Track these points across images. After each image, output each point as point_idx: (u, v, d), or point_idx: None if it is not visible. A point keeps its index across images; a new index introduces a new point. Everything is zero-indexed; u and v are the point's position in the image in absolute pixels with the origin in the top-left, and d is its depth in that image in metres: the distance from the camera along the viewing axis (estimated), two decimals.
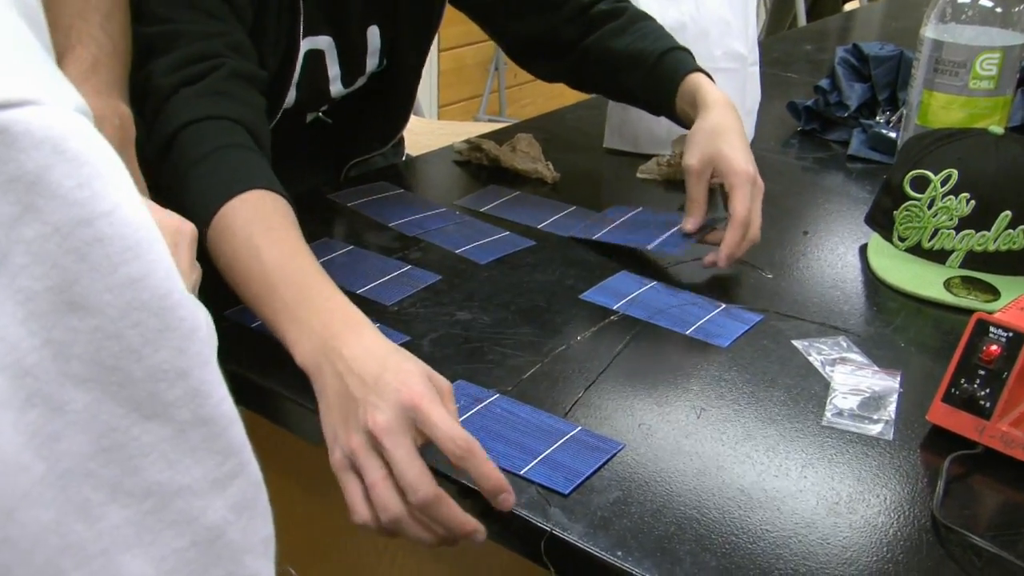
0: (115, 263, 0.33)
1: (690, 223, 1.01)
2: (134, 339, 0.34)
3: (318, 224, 1.10)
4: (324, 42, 1.10)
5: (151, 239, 0.35)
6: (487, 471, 0.65)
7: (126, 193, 0.34)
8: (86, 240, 0.33)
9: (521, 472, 0.71)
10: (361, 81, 1.20)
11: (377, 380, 0.68)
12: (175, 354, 0.35)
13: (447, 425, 0.65)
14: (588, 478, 0.70)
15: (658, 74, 1.10)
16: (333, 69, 1.13)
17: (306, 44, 1.07)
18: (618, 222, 1.08)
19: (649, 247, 1.03)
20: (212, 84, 0.89)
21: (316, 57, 1.11)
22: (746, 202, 0.95)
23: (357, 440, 0.67)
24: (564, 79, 1.24)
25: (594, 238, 1.06)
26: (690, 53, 1.13)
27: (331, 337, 0.72)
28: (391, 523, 0.66)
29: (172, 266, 0.36)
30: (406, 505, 0.65)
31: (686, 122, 1.08)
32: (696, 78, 1.07)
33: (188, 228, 0.65)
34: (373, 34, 1.16)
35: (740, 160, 0.97)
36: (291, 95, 1.09)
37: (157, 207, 0.65)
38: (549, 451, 0.73)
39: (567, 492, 0.69)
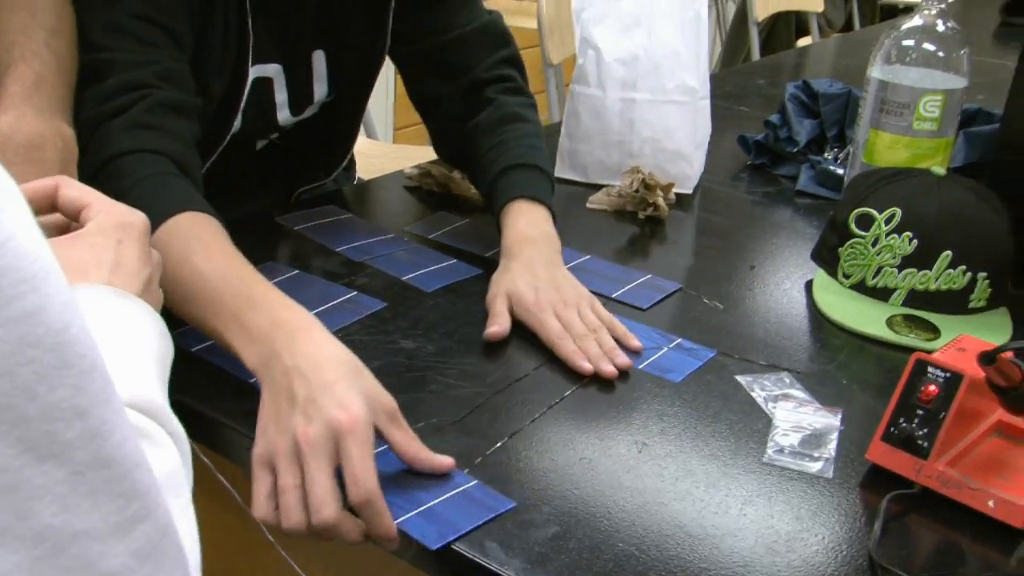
0: (8, 296, 0.31)
1: (490, 330, 0.92)
2: (28, 376, 0.32)
3: (264, 247, 1.08)
4: (272, 69, 1.10)
5: (47, 270, 0.33)
6: (379, 523, 0.67)
7: (21, 221, 0.33)
8: None
9: (396, 521, 0.68)
10: (311, 110, 1.19)
11: (321, 391, 0.69)
12: (73, 392, 0.34)
13: (359, 468, 0.66)
14: (463, 535, 0.68)
15: (492, 191, 1.08)
16: (280, 95, 1.12)
17: (254, 72, 1.06)
18: (570, 265, 1.08)
19: (613, 296, 1.03)
20: (135, 117, 0.89)
21: (263, 84, 1.10)
22: (548, 325, 0.91)
23: (283, 442, 0.68)
24: (445, 157, 1.23)
25: None
26: (532, 171, 1.08)
27: (281, 337, 0.73)
28: (287, 530, 0.67)
29: (71, 299, 0.34)
30: (307, 518, 0.66)
31: None
32: (510, 208, 1.04)
33: (137, 220, 0.63)
34: (319, 59, 1.15)
35: (529, 299, 0.93)
36: (237, 121, 1.08)
37: (105, 199, 0.64)
38: (434, 502, 0.70)
39: (434, 547, 0.67)
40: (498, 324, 0.92)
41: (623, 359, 0.89)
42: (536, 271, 0.96)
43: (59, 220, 0.65)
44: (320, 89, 1.17)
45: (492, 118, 1.14)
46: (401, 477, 0.73)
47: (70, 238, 0.61)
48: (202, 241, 0.82)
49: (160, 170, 0.88)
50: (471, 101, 1.16)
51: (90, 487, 0.34)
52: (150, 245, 0.79)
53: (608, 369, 0.87)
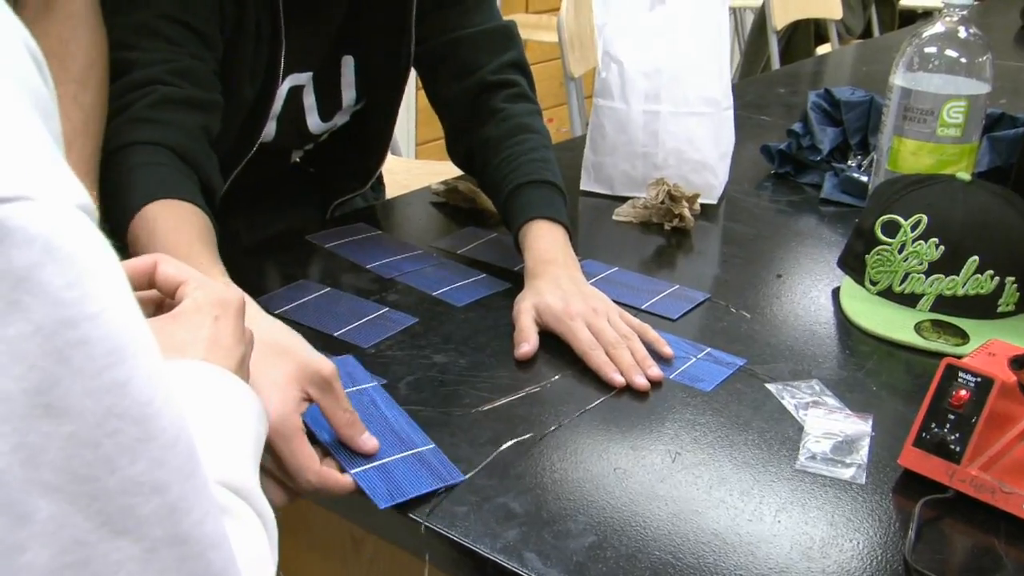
0: (98, 367, 0.32)
1: (521, 350, 0.93)
2: (110, 448, 0.32)
3: (296, 265, 1.10)
4: (304, 77, 1.12)
5: (138, 343, 0.33)
6: (335, 493, 0.70)
7: (116, 294, 0.33)
8: (69, 342, 0.31)
9: (350, 471, 0.71)
10: (340, 118, 1.21)
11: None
12: (153, 466, 0.33)
13: (292, 467, 0.68)
14: (409, 500, 0.71)
15: (507, 210, 1.09)
16: (309, 100, 1.15)
17: (289, 81, 1.08)
18: (598, 277, 1.09)
19: (643, 307, 1.04)
20: (137, 111, 0.92)
21: (295, 91, 1.13)
22: (579, 335, 0.92)
23: None
24: (458, 162, 1.23)
25: None
26: (546, 187, 1.09)
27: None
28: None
29: (158, 373, 0.34)
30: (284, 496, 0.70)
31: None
32: (528, 229, 1.04)
33: (233, 296, 0.63)
34: (348, 64, 1.18)
35: (559, 307, 0.94)
36: (271, 128, 1.10)
37: (201, 277, 0.63)
38: (388, 460, 0.73)
39: (383, 507, 0.69)
40: (527, 343, 0.93)
41: (655, 371, 0.90)
42: (562, 285, 0.97)
43: (156, 296, 0.65)
44: (349, 95, 1.19)
45: (501, 130, 1.15)
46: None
47: (168, 316, 0.61)
48: (167, 227, 0.85)
49: (152, 160, 0.90)
50: (479, 107, 1.17)
51: (163, 565, 0.34)
52: (130, 235, 0.82)
53: (641, 382, 0.88)
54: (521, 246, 1.05)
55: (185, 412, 0.36)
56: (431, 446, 0.76)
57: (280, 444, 0.67)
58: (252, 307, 0.74)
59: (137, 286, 0.64)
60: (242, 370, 0.61)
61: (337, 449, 0.73)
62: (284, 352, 0.71)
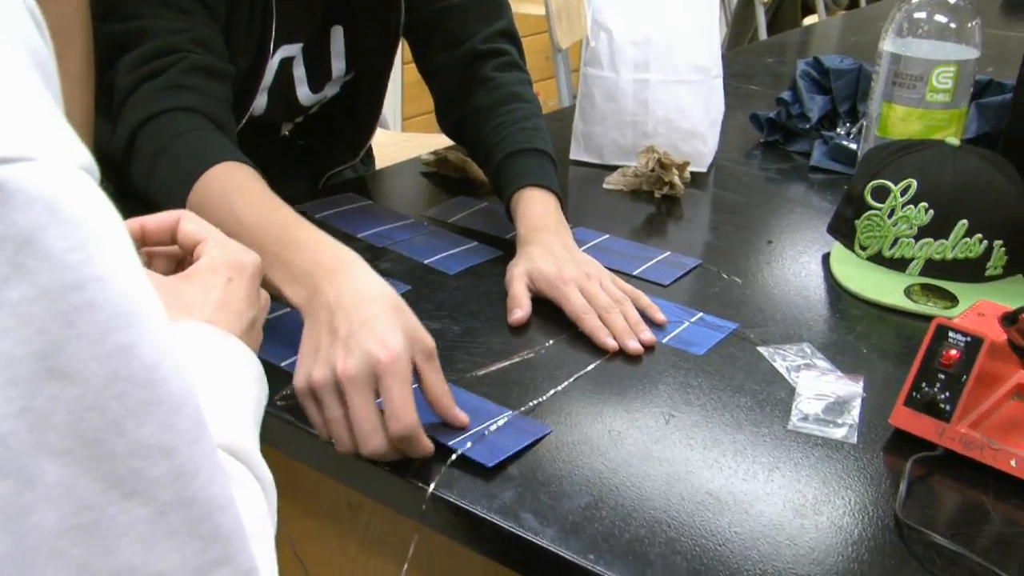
0: (104, 331, 0.32)
1: (514, 316, 0.93)
2: (118, 411, 0.32)
3: None
4: (295, 49, 1.12)
5: (144, 306, 0.33)
6: (418, 452, 0.72)
7: (122, 257, 0.33)
8: (75, 305, 0.31)
9: (449, 443, 0.73)
10: (330, 89, 1.21)
11: (362, 326, 0.71)
12: (161, 429, 0.33)
13: (399, 404, 0.69)
14: (511, 456, 0.74)
15: (499, 178, 1.09)
16: (299, 71, 1.15)
17: (280, 52, 1.08)
18: (589, 244, 1.09)
19: (634, 273, 1.04)
20: (172, 78, 0.92)
21: (284, 62, 1.12)
22: (572, 300, 0.92)
23: (322, 373, 0.71)
24: (448, 132, 1.23)
25: None
26: (537, 155, 1.09)
27: (322, 274, 0.76)
28: (343, 452, 0.73)
29: (166, 336, 0.34)
30: (355, 445, 0.71)
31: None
32: (520, 197, 1.05)
33: (249, 260, 0.63)
34: (337, 35, 1.18)
35: (552, 272, 0.94)
36: (261, 100, 1.10)
37: (222, 236, 0.63)
38: (480, 428, 0.76)
39: (490, 464, 0.72)
40: (520, 308, 0.93)
41: (648, 335, 0.90)
42: (555, 251, 0.98)
43: (177, 252, 0.66)
44: (338, 65, 1.19)
45: (491, 99, 1.15)
46: (473, 419, 0.77)
47: (183, 275, 0.61)
48: (242, 188, 0.86)
49: (198, 125, 0.91)
50: (469, 76, 1.17)
51: (172, 527, 0.34)
52: (193, 198, 0.81)
53: (634, 346, 0.89)
54: (513, 214, 1.05)
55: (191, 376, 0.36)
56: (510, 412, 0.79)
57: (391, 383, 0.69)
58: (363, 267, 0.78)
59: (160, 241, 0.64)
60: (251, 334, 0.61)
61: (432, 428, 0.75)
62: (401, 310, 0.74)
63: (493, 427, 0.76)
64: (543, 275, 0.95)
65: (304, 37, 1.12)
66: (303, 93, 1.17)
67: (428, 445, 0.72)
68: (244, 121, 1.11)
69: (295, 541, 0.87)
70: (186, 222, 0.64)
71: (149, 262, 0.64)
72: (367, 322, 0.71)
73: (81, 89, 0.92)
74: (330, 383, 0.70)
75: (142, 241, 0.64)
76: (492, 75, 1.16)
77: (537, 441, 0.76)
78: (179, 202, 0.87)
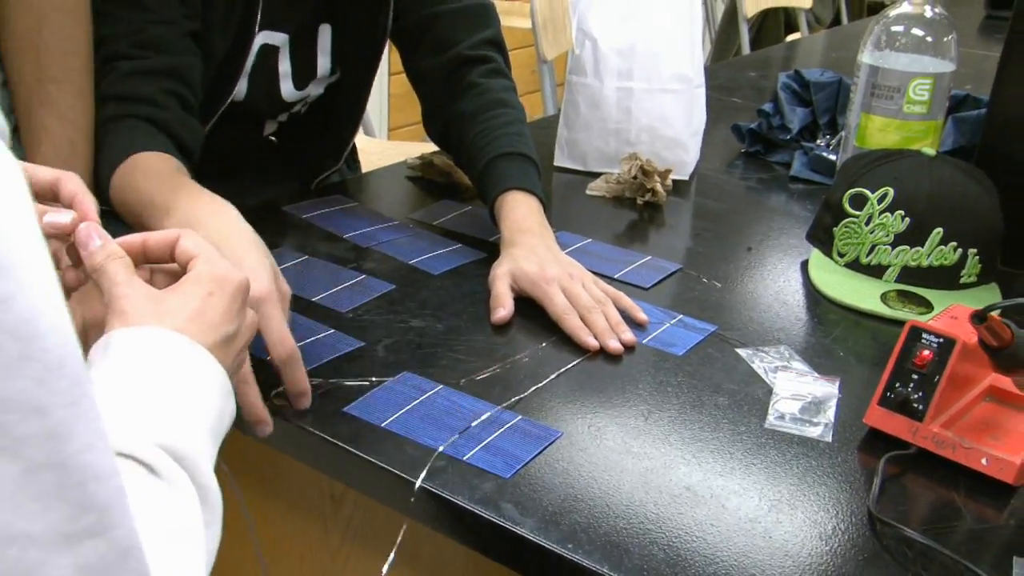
0: None
1: (497, 315, 0.94)
2: None
3: (273, 235, 1.10)
4: (279, 38, 1.13)
5: (27, 261, 0.32)
6: (298, 378, 0.77)
7: (11, 209, 0.32)
8: None
9: (464, 458, 0.74)
10: (314, 88, 1.22)
11: (234, 262, 0.73)
12: (33, 385, 0.32)
13: (278, 330, 0.74)
14: (527, 464, 0.74)
15: (483, 182, 1.11)
16: (284, 66, 1.16)
17: (261, 37, 1.10)
18: (571, 248, 1.11)
19: (615, 276, 1.05)
20: (103, 91, 0.98)
21: (269, 52, 1.14)
22: (555, 299, 0.94)
23: None
24: (434, 138, 1.25)
25: None
26: (521, 159, 1.11)
27: (198, 211, 0.84)
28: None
29: (50, 295, 0.33)
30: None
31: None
32: (504, 200, 1.06)
33: (235, 277, 0.63)
34: (324, 32, 1.19)
35: (535, 271, 0.96)
36: (243, 86, 1.12)
37: (213, 254, 0.64)
38: (490, 439, 0.76)
39: (508, 476, 0.72)
40: (502, 307, 0.95)
41: (628, 335, 0.92)
42: (538, 252, 0.99)
43: (178, 270, 0.66)
44: (324, 63, 1.21)
45: (476, 105, 1.16)
46: (450, 420, 0.78)
47: (170, 287, 0.62)
48: (146, 169, 0.92)
49: (120, 127, 0.97)
50: (455, 82, 1.19)
51: (40, 488, 0.33)
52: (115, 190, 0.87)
53: (614, 346, 0.90)
54: (497, 217, 1.06)
55: (74, 339, 0.34)
56: (519, 417, 0.79)
57: (270, 310, 0.74)
58: (236, 214, 0.83)
59: (160, 257, 0.65)
60: (225, 348, 0.61)
61: (444, 442, 0.75)
62: (267, 252, 0.80)
63: (501, 432, 0.77)
64: (526, 275, 0.96)
65: (290, 29, 1.14)
66: (287, 89, 1.18)
67: (305, 377, 0.77)
68: (226, 104, 1.12)
69: (279, 533, 0.88)
70: (184, 239, 0.64)
71: (150, 278, 0.65)
72: (239, 259, 0.75)
73: (85, 99, 0.94)
74: None
75: (144, 256, 0.65)
76: (478, 81, 1.18)
77: (549, 445, 0.76)
78: (104, 188, 0.94)
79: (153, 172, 0.92)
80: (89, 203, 0.65)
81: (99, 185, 0.95)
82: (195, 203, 0.85)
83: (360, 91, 1.27)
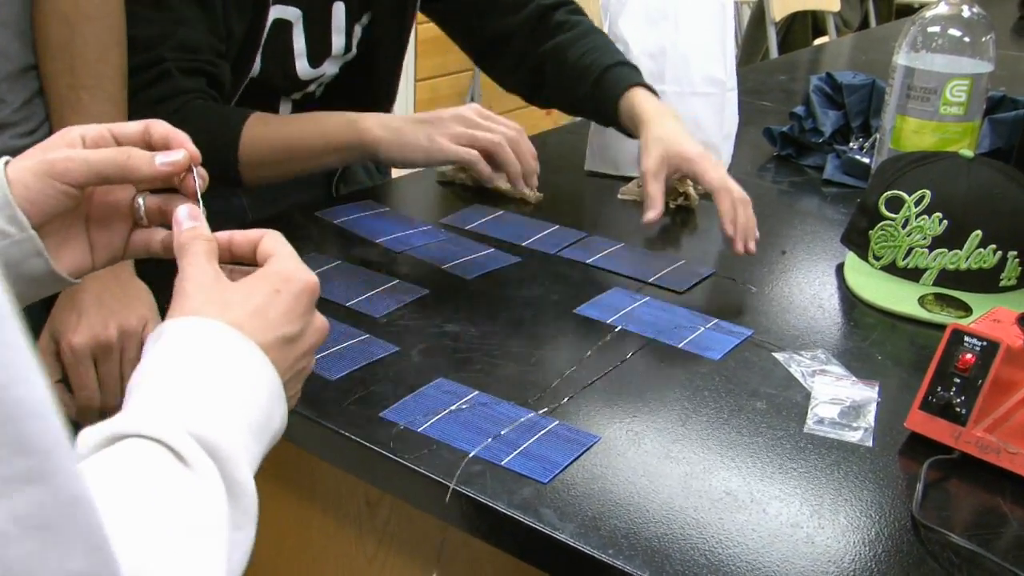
0: None
1: (650, 215, 1.06)
2: None
3: (307, 240, 1.11)
4: (292, 13, 1.15)
5: None
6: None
7: None
8: None
9: (502, 463, 0.73)
10: (329, 66, 1.22)
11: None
12: None
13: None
14: (565, 469, 0.73)
15: (601, 88, 1.18)
16: (299, 43, 1.17)
17: (275, 12, 1.12)
18: (604, 253, 1.10)
19: (649, 280, 1.05)
20: (152, 95, 1.03)
21: (283, 28, 1.15)
22: (714, 172, 1.04)
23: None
24: (519, 87, 1.32)
25: (588, 262, 1.08)
26: (635, 68, 1.21)
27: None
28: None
29: None
30: None
31: (632, 134, 1.17)
32: (633, 94, 1.16)
33: (304, 277, 0.61)
34: (338, 10, 1.20)
35: (692, 148, 1.07)
36: (257, 61, 1.13)
37: (288, 253, 0.62)
38: (528, 444, 0.76)
39: (546, 481, 0.72)
40: (654, 208, 1.05)
41: (752, 245, 1.04)
42: (685, 135, 1.09)
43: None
44: (338, 41, 1.21)
45: (574, 34, 1.25)
46: (487, 426, 0.78)
47: (241, 281, 0.60)
48: (273, 121, 1.06)
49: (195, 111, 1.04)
50: (543, 27, 1.27)
51: None
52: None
53: (751, 246, 1.03)
54: (625, 113, 1.15)
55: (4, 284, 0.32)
56: (556, 422, 0.79)
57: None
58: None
59: (244, 256, 0.64)
60: (284, 349, 0.59)
61: (484, 445, 0.75)
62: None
63: (538, 438, 0.76)
64: (679, 154, 1.05)
65: (303, 3, 1.15)
66: (301, 66, 1.19)
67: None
68: (245, 83, 1.14)
69: (315, 539, 0.88)
70: (266, 240, 0.63)
71: (231, 278, 0.64)
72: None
73: (117, 105, 0.94)
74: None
75: (230, 254, 0.64)
76: (567, 18, 1.27)
77: (587, 450, 0.76)
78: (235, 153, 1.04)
79: (279, 119, 1.02)
80: (182, 137, 0.66)
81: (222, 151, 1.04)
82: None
83: (389, 72, 1.31)
